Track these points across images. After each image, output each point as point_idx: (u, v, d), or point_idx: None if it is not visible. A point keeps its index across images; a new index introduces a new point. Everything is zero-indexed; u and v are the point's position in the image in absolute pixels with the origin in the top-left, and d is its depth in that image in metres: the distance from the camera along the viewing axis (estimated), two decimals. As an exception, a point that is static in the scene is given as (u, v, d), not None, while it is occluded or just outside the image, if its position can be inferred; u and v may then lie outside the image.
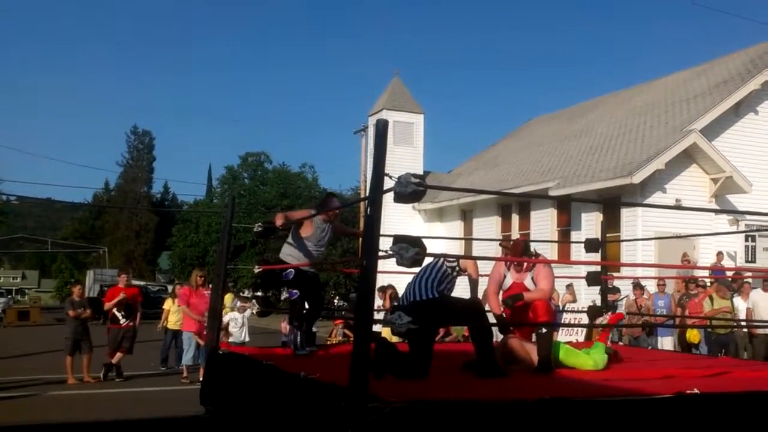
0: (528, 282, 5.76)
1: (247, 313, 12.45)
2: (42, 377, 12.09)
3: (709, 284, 12.85)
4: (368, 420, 3.30)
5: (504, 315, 5.80)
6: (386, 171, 3.69)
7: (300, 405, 4.19)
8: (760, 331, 11.93)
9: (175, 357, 13.53)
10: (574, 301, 14.98)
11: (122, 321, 12.41)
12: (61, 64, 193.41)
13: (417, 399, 3.63)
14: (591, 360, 5.50)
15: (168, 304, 14.16)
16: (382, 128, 3.83)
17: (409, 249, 3.77)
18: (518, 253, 5.89)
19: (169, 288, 21.76)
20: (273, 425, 4.55)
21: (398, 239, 3.72)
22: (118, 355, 12.30)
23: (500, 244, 7.85)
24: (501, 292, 5.91)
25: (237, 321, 12.25)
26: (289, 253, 6.45)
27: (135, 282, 19.63)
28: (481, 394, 3.99)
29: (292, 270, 6.19)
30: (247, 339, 12.36)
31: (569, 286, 14.93)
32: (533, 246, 6.60)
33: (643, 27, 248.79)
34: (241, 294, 34.12)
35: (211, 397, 5.97)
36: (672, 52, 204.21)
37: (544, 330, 5.35)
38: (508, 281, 5.89)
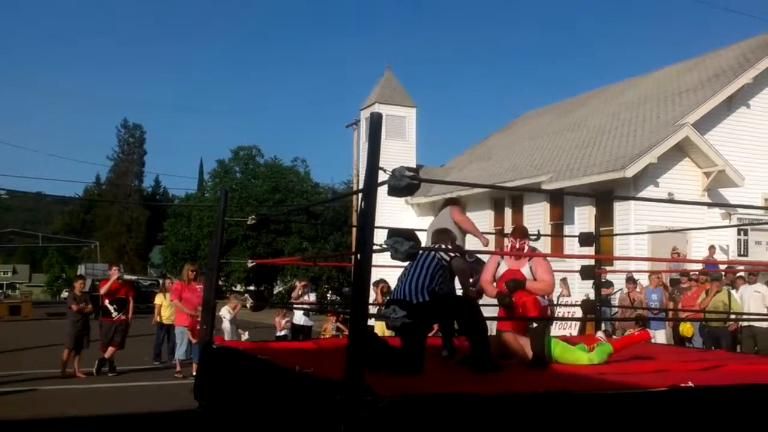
0: (525, 270, 5.74)
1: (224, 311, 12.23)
2: (35, 372, 12.06)
3: (699, 277, 12.87)
4: (363, 414, 3.28)
5: (502, 293, 5.73)
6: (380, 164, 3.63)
7: (295, 399, 4.17)
8: (757, 324, 11.84)
9: (167, 351, 13.50)
10: (569, 295, 15.02)
11: (114, 314, 12.38)
12: (52, 58, 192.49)
13: (412, 393, 3.61)
14: (586, 356, 5.49)
15: (159, 299, 14.12)
16: (376, 121, 3.79)
17: (404, 243, 3.75)
18: (521, 234, 5.92)
19: (161, 282, 21.80)
20: (268, 420, 4.53)
21: (393, 233, 3.69)
22: (111, 349, 12.27)
23: (507, 235, 7.79)
24: (495, 282, 5.90)
25: (227, 318, 12.15)
26: None
27: (127, 276, 19.56)
28: (475, 388, 3.98)
29: None
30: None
31: (563, 280, 14.97)
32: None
33: (633, 22, 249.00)
34: (233, 288, 34.12)
35: (205, 391, 5.94)
36: (662, 46, 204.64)
37: (535, 324, 5.34)
38: (503, 268, 5.90)
